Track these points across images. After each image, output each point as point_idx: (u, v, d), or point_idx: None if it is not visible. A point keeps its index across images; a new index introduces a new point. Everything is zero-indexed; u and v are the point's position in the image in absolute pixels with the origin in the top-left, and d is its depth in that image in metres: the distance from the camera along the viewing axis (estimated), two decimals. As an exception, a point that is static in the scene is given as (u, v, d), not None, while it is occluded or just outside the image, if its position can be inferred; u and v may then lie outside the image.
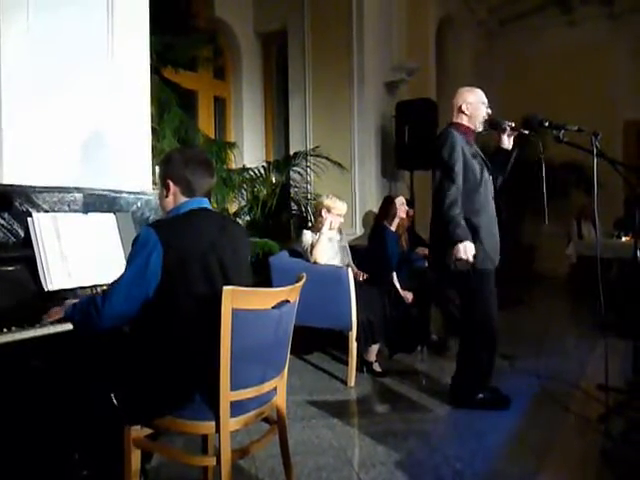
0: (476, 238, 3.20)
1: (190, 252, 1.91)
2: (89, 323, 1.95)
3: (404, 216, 4.88)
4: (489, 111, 3.40)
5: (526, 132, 3.35)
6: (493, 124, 3.41)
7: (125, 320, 1.95)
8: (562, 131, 3.10)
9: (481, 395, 3.31)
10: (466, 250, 3.11)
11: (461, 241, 3.11)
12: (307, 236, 4.24)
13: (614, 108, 9.14)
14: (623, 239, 6.60)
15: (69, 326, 2.04)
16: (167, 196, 2.07)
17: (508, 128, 3.36)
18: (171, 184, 2.05)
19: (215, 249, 1.97)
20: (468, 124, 3.38)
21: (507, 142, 3.41)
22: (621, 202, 8.74)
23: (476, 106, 3.36)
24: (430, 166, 3.56)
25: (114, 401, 1.98)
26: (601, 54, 9.24)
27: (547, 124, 3.16)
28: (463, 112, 3.37)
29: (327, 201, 4.27)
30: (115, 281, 1.93)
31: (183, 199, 2.05)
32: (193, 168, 2.05)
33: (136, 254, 1.89)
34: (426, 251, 4.88)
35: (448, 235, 3.15)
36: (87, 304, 1.97)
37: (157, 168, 2.18)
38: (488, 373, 3.37)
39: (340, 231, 4.52)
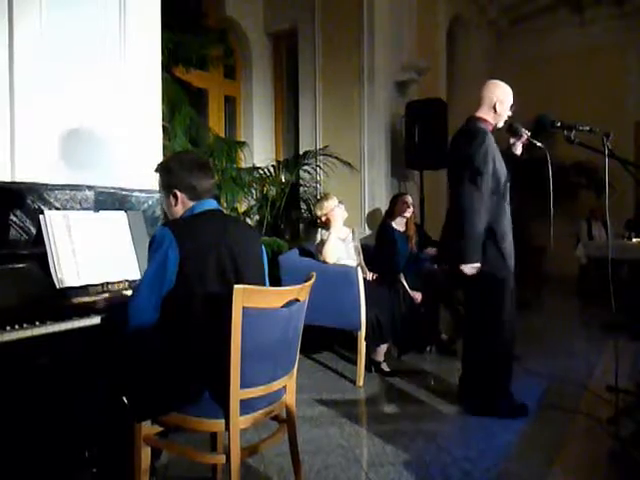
0: (496, 243, 3.16)
1: (204, 250, 1.94)
2: (118, 324, 2.00)
3: (408, 216, 4.73)
4: (510, 114, 3.32)
5: (539, 144, 3.23)
6: (512, 129, 3.31)
7: (151, 318, 1.94)
8: (573, 132, 3.07)
9: (497, 402, 3.23)
10: (470, 271, 3.12)
11: (471, 262, 3.10)
12: (319, 233, 4.27)
13: (625, 109, 9.09)
14: (634, 240, 6.57)
15: (78, 323, 2.05)
16: (176, 205, 2.12)
17: (525, 136, 3.28)
18: (178, 192, 2.10)
19: (228, 247, 1.99)
20: (493, 121, 3.29)
21: (520, 149, 3.35)
22: (632, 203, 8.72)
23: (506, 107, 3.28)
24: (446, 163, 3.46)
25: (124, 398, 2.00)
26: (612, 54, 9.18)
27: (559, 124, 3.12)
28: (494, 109, 3.25)
29: (319, 212, 4.28)
30: (138, 282, 1.97)
31: (191, 203, 2.10)
32: (196, 173, 2.10)
33: (154, 253, 1.93)
34: (434, 251, 4.83)
35: (460, 247, 3.10)
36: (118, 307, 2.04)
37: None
38: (504, 379, 3.28)
39: (353, 231, 4.52)
